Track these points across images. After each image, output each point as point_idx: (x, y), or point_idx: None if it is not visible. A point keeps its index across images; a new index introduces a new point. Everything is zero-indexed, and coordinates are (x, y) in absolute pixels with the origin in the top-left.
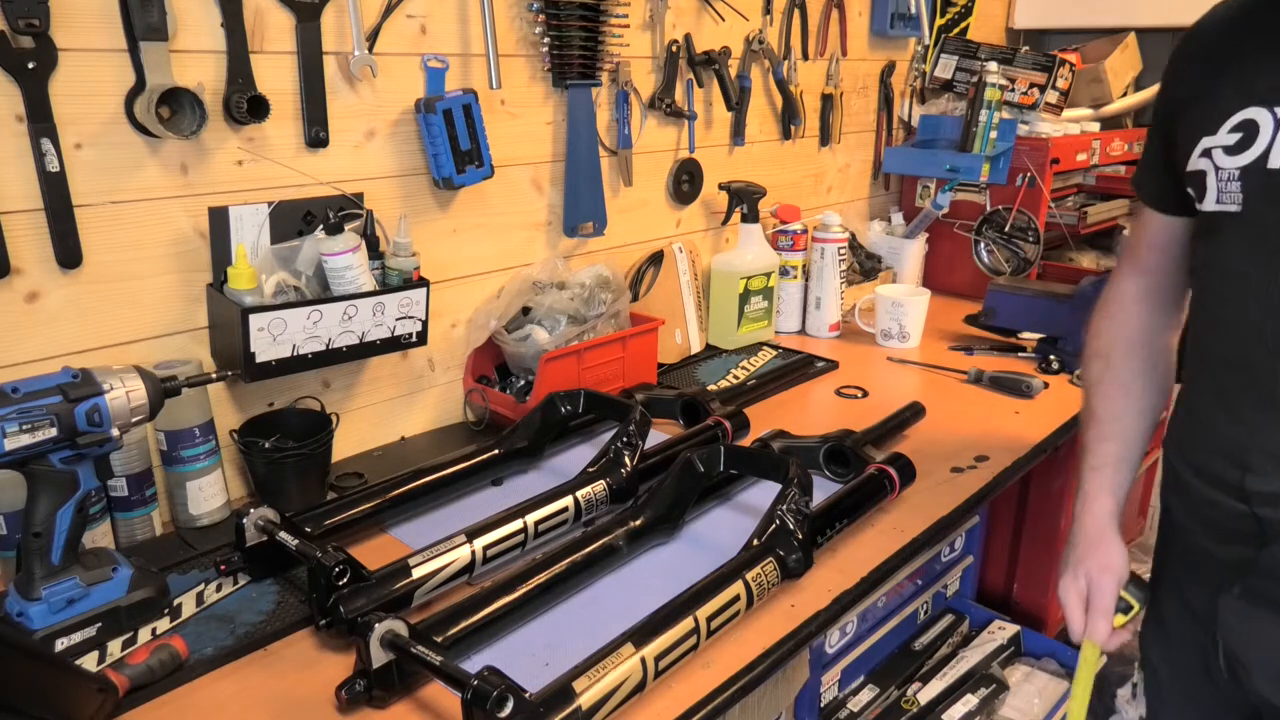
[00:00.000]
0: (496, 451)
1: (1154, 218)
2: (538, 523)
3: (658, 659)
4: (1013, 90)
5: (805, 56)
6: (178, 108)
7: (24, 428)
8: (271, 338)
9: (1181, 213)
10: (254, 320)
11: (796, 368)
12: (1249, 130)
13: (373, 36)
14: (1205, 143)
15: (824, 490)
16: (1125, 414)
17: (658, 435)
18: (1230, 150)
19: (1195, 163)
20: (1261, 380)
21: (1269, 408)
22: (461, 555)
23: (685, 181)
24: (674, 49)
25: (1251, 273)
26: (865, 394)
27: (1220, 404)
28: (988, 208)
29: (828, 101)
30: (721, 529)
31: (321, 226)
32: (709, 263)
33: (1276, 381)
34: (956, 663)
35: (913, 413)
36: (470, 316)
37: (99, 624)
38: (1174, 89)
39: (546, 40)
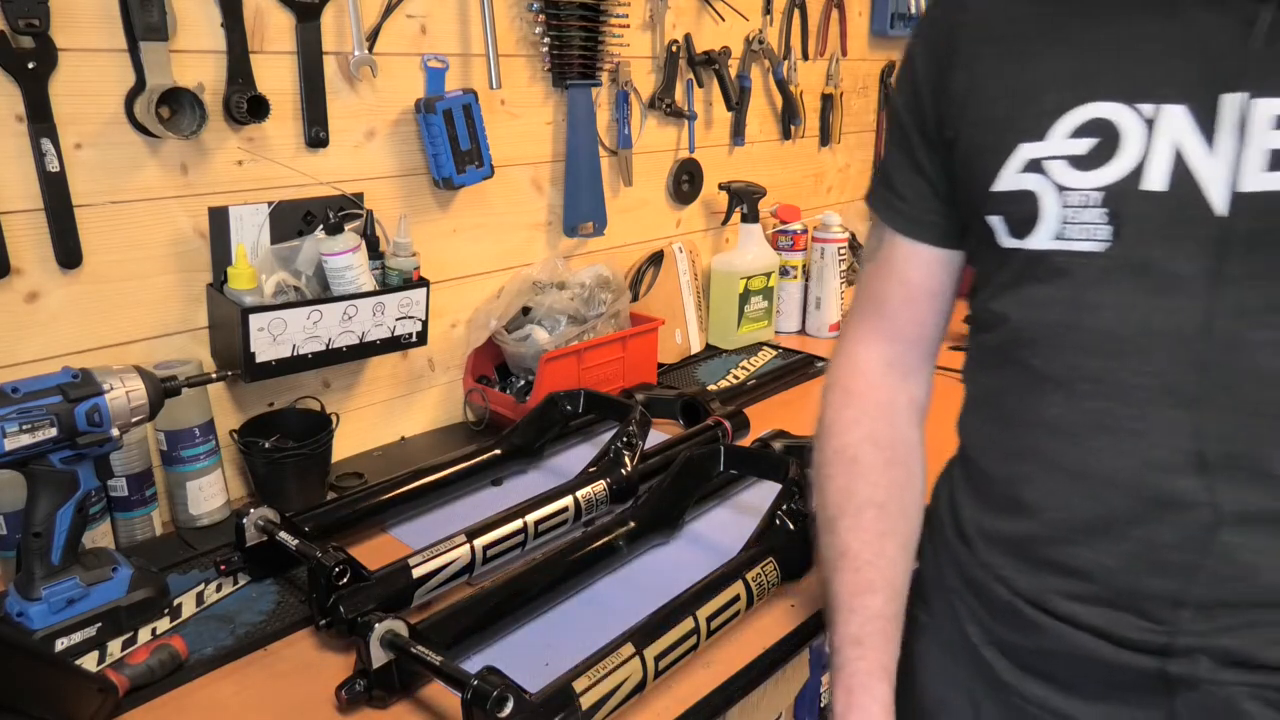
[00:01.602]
0: (496, 451)
1: (913, 254)
2: (538, 523)
3: (658, 659)
4: None
5: (805, 56)
6: (178, 108)
7: (24, 428)
8: (271, 338)
9: (961, 245)
10: (254, 320)
11: (797, 368)
12: (1104, 135)
13: (373, 36)
14: (1029, 150)
15: None
16: (888, 550)
17: (658, 435)
18: (1080, 163)
19: (1012, 180)
20: (1166, 502)
21: (1184, 544)
22: (461, 555)
23: (685, 181)
24: (674, 49)
25: (1138, 342)
26: None
27: (1092, 533)
28: None
29: (828, 101)
30: (721, 529)
31: (321, 226)
32: (709, 263)
33: (1199, 504)
34: None
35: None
36: (470, 316)
37: (99, 624)
38: (938, 70)
39: (546, 40)
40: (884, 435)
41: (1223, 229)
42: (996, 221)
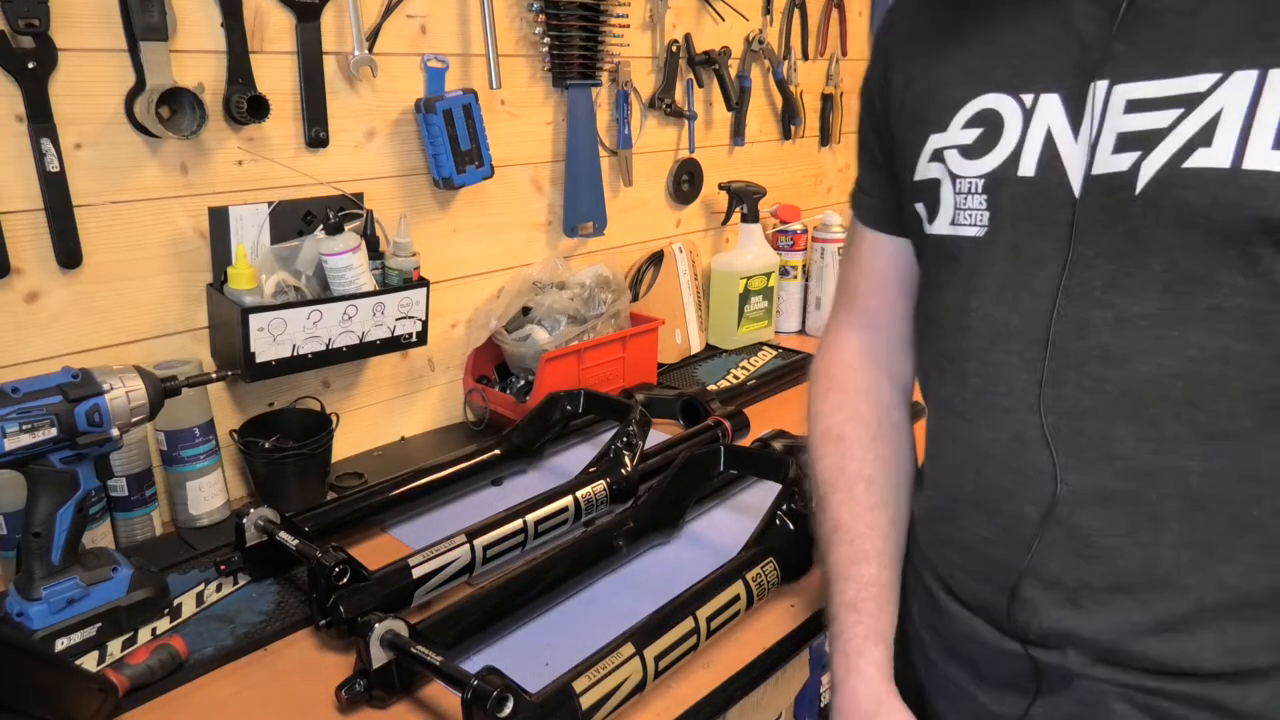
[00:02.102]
0: (496, 451)
1: (878, 245)
2: (538, 523)
3: (658, 659)
4: None
5: (805, 56)
6: (178, 108)
7: (24, 428)
8: (271, 338)
9: (909, 234)
10: (254, 320)
11: (797, 368)
12: (989, 125)
13: (373, 36)
14: (935, 141)
15: None
16: (879, 522)
17: (658, 435)
18: (968, 152)
19: (924, 169)
20: (1031, 478)
21: (1046, 521)
22: (461, 555)
23: (685, 181)
24: (674, 49)
25: (1010, 322)
26: None
27: (976, 508)
28: None
29: (828, 101)
30: (721, 529)
31: (321, 226)
32: (709, 263)
33: (1056, 481)
34: None
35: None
36: (470, 316)
37: (99, 624)
38: (883, 69)
39: (546, 40)
40: (867, 415)
41: (1077, 211)
42: (920, 209)
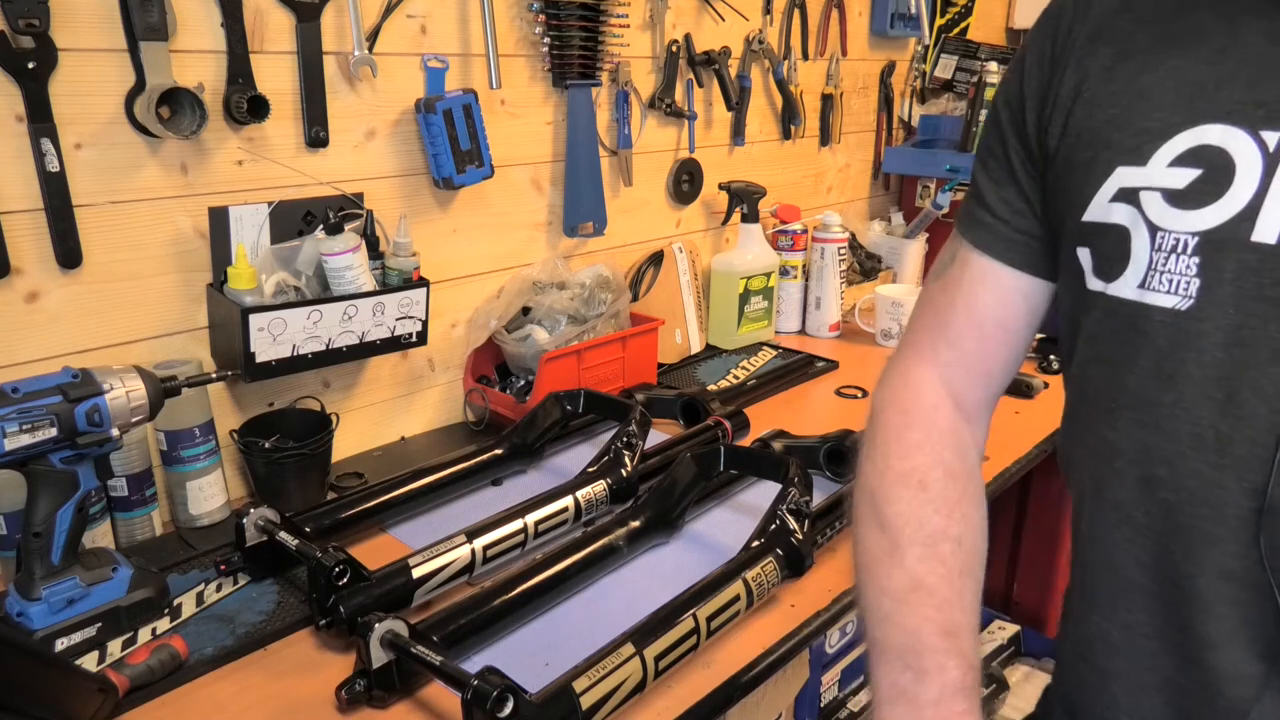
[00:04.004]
0: (496, 451)
1: (989, 276)
2: (538, 523)
3: (658, 659)
4: None
5: (805, 56)
6: (178, 108)
7: (24, 428)
8: (271, 338)
9: (1050, 275)
10: (254, 320)
11: (796, 368)
12: (1212, 166)
13: (373, 36)
14: (1126, 176)
15: (824, 490)
16: (967, 593)
17: (658, 435)
18: (1177, 198)
19: (1103, 208)
20: (1240, 630)
21: (1261, 696)
22: (461, 555)
23: (685, 181)
24: (674, 49)
25: (1221, 430)
26: (865, 394)
27: (1187, 656)
28: None
29: (828, 101)
30: (721, 529)
31: (321, 226)
32: (709, 263)
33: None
34: None
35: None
36: (470, 316)
37: (99, 624)
38: (1048, 66)
39: (546, 40)
40: (954, 466)
41: None
42: (1085, 257)
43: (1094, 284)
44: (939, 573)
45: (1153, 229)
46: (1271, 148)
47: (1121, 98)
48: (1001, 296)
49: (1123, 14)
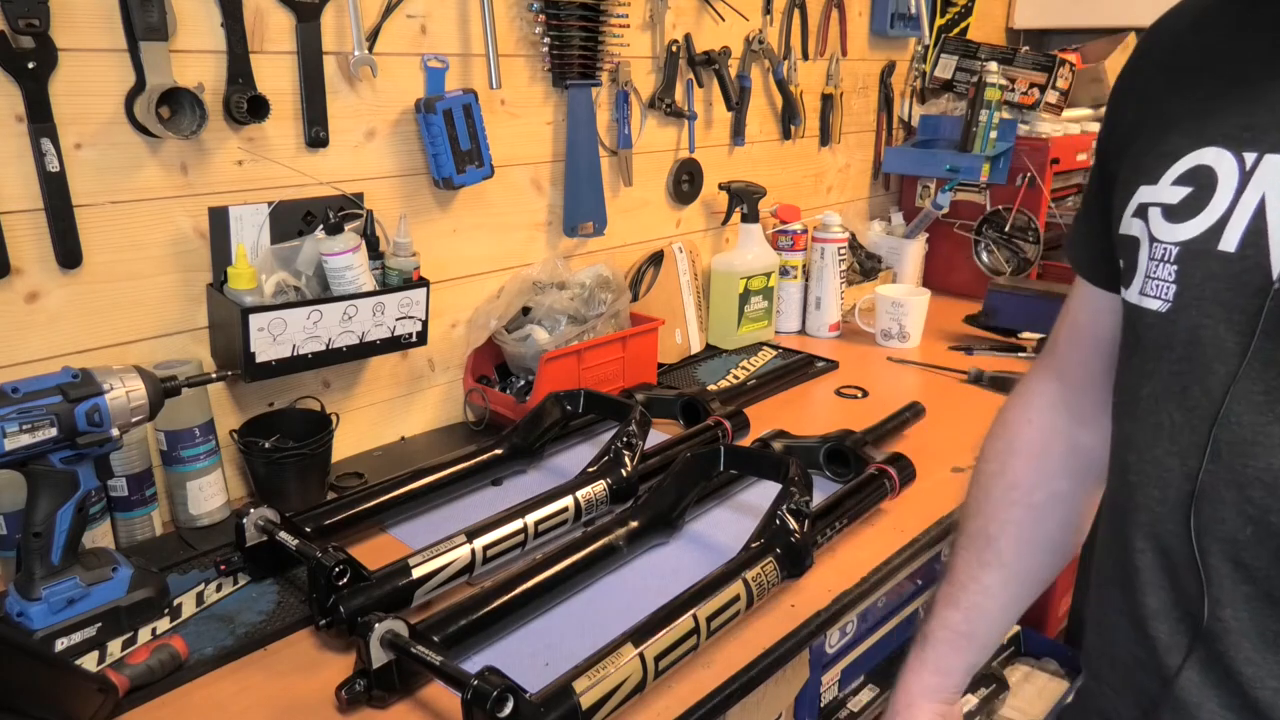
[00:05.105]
0: (496, 451)
1: (1082, 292)
2: (538, 523)
3: (658, 659)
4: (1013, 90)
5: (805, 56)
6: (178, 108)
7: (24, 428)
8: (271, 338)
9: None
10: (254, 320)
11: (796, 368)
12: (1201, 183)
13: (373, 36)
14: (1143, 194)
15: (824, 490)
16: (984, 578)
17: (658, 435)
18: (1171, 213)
19: (1127, 224)
20: (1178, 602)
21: (1191, 654)
22: (461, 555)
23: (685, 181)
24: (674, 49)
25: (1175, 419)
26: (865, 394)
27: (1125, 617)
28: (988, 208)
29: (828, 101)
30: (721, 529)
31: (321, 226)
32: (709, 263)
33: (1205, 614)
34: None
35: (913, 413)
36: (470, 316)
37: (99, 624)
38: (1118, 112)
39: (546, 40)
40: (1018, 472)
41: (1270, 300)
42: (1122, 267)
43: (1123, 291)
44: (962, 558)
45: (1152, 240)
46: (1249, 166)
47: (1160, 123)
48: (1094, 312)
49: (1186, 42)
